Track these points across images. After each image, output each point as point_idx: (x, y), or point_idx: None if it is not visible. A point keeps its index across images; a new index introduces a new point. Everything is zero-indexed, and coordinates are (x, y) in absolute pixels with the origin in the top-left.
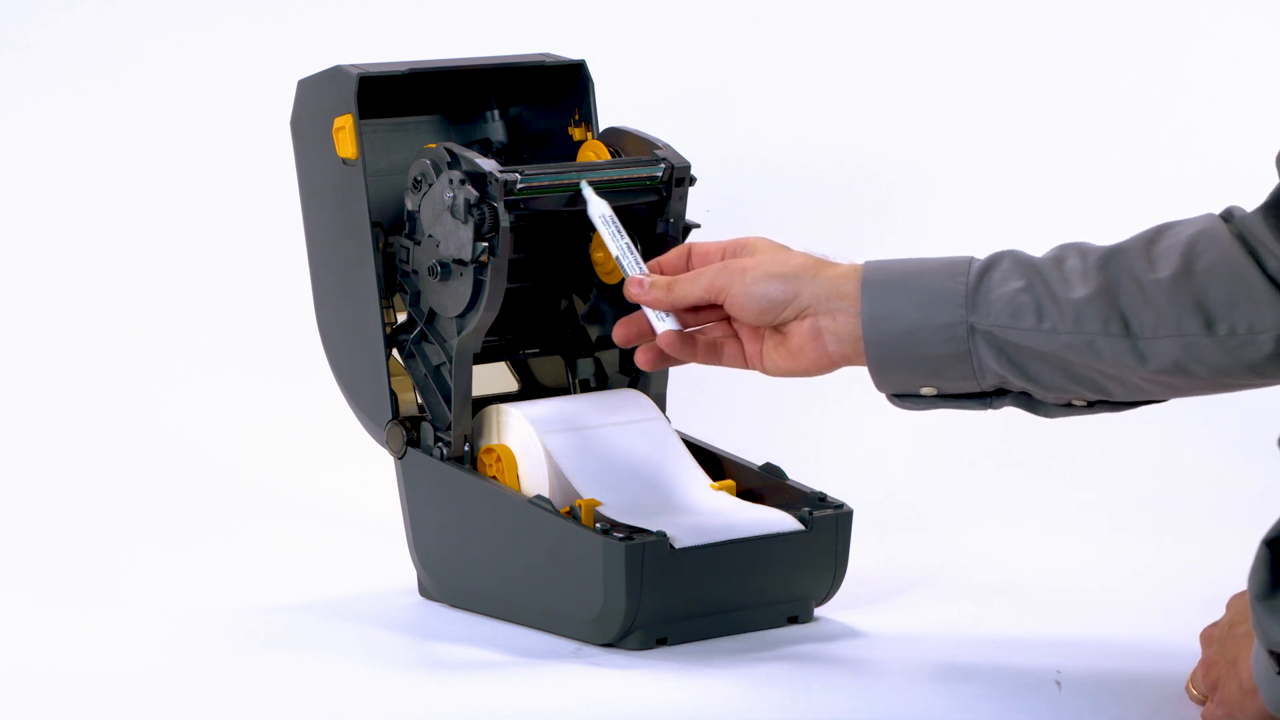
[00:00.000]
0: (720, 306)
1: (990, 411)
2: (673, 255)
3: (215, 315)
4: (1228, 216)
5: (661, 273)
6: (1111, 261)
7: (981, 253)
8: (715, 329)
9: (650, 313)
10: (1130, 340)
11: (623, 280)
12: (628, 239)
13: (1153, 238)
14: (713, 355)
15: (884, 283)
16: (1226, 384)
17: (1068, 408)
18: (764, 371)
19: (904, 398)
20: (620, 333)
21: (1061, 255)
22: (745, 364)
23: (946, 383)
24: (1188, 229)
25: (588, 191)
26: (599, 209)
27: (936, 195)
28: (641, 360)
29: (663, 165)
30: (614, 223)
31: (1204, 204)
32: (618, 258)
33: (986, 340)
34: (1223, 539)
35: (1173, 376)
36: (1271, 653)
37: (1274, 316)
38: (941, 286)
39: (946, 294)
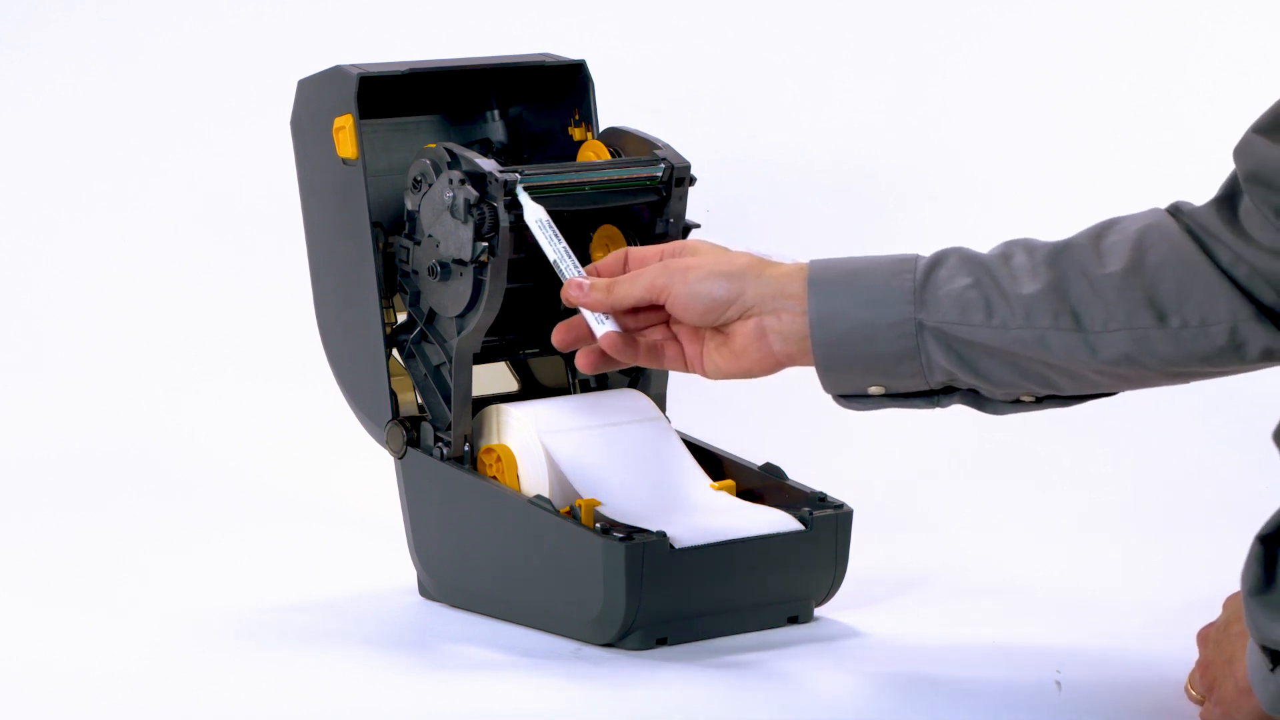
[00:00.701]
0: (661, 308)
1: (938, 410)
2: (610, 260)
3: (215, 315)
4: (1174, 211)
5: (600, 276)
6: (1060, 257)
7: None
8: (655, 331)
9: (590, 315)
10: (1081, 334)
11: None
12: (564, 243)
13: (1099, 233)
14: (653, 358)
15: (831, 281)
16: (1177, 374)
17: (1016, 404)
18: (704, 374)
19: (850, 398)
20: (559, 337)
21: (1008, 252)
22: (685, 366)
23: (895, 381)
24: (1135, 224)
25: (523, 196)
26: (535, 214)
27: (936, 195)
28: (581, 363)
29: (663, 165)
30: (550, 227)
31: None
32: (555, 262)
33: (935, 337)
34: (1222, 538)
35: (1123, 368)
36: (1265, 649)
37: (1227, 308)
38: (888, 284)
39: (894, 291)
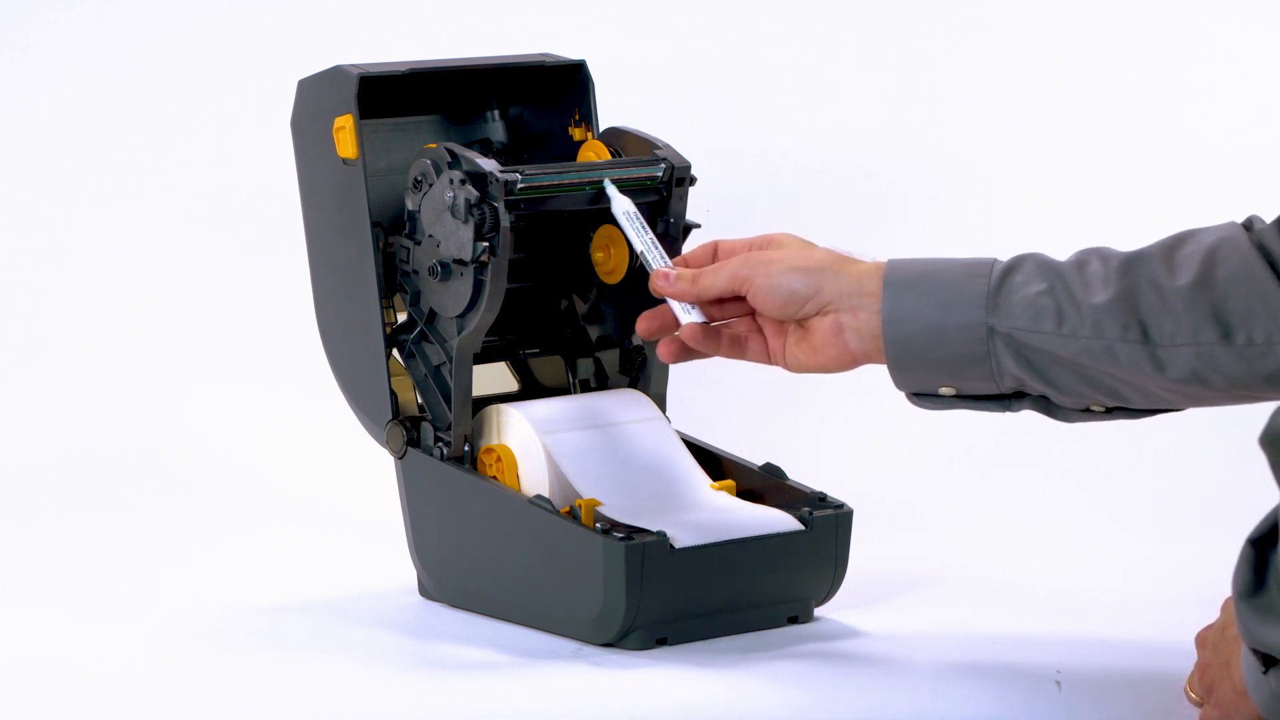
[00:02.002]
0: (745, 300)
1: (1008, 414)
2: (699, 251)
3: (214, 315)
4: (1249, 225)
5: (688, 266)
6: (1132, 267)
7: (987, 252)
8: (740, 323)
9: (675, 305)
10: (1148, 347)
11: (623, 280)
12: (652, 234)
13: (1174, 244)
14: (736, 349)
15: (905, 281)
16: (1244, 395)
17: (1086, 413)
18: (786, 367)
19: (923, 397)
20: (644, 325)
21: (1084, 259)
22: (769, 359)
23: (965, 383)
24: (1209, 236)
25: (611, 189)
26: (623, 205)
27: (937, 195)
28: (663, 353)
29: (663, 165)
30: (638, 219)
31: (1206, 202)
32: (642, 253)
33: (1006, 343)
34: (1223, 538)
35: (1190, 386)
36: (1256, 651)
37: None
38: (962, 287)
39: (967, 294)
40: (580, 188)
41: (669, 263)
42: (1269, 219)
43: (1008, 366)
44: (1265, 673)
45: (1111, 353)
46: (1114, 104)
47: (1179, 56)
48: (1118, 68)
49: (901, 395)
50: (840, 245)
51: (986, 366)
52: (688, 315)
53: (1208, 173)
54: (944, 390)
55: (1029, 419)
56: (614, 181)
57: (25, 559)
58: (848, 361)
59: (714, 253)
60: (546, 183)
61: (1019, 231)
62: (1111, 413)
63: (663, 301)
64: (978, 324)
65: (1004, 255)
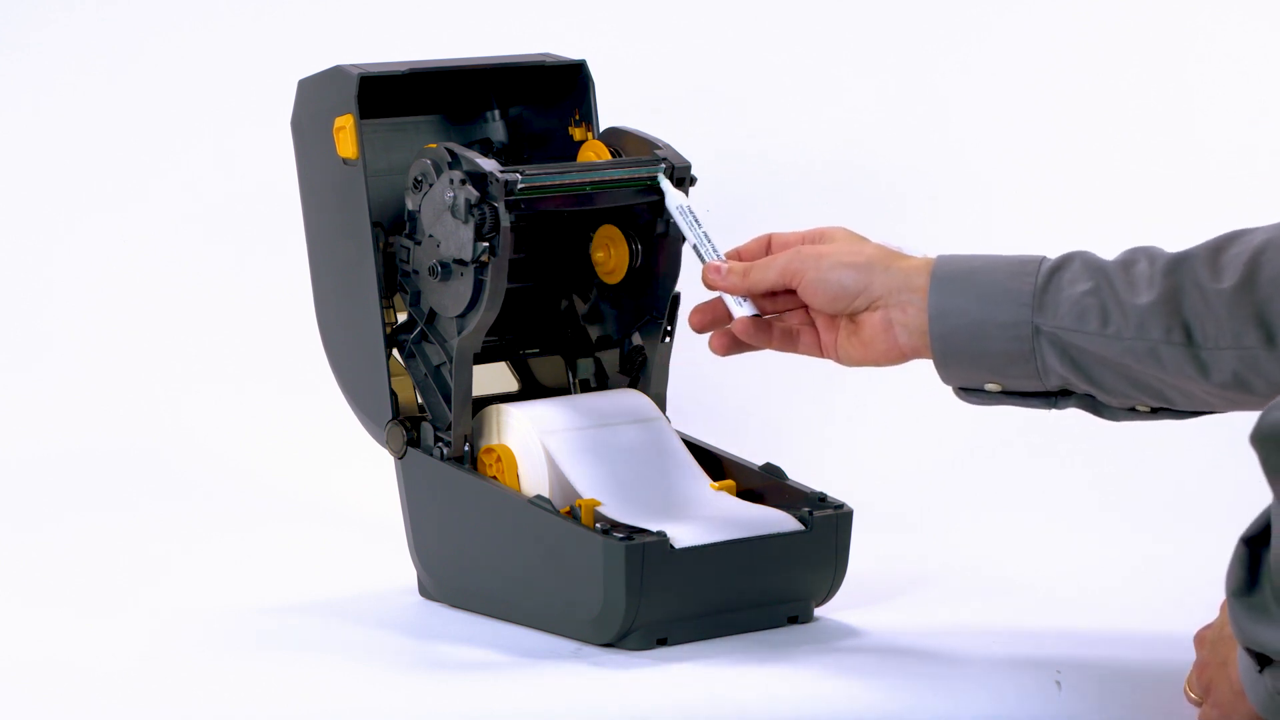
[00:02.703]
0: (795, 293)
1: (1054, 411)
2: (752, 243)
3: (214, 315)
4: None
5: (741, 260)
6: (1178, 268)
7: (991, 250)
8: (792, 316)
9: (728, 298)
10: (1192, 349)
11: (623, 280)
12: (704, 228)
13: (1222, 245)
14: (788, 343)
15: (952, 277)
16: None
17: (1131, 413)
18: (838, 360)
19: (969, 392)
20: (697, 319)
21: (1131, 259)
22: (820, 352)
23: (1010, 380)
24: (1257, 238)
25: (666, 184)
26: (676, 200)
27: (938, 194)
28: (715, 345)
29: (663, 165)
30: (691, 213)
31: (1208, 201)
32: (694, 246)
33: (1051, 341)
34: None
35: (1232, 391)
36: (1250, 650)
37: None
38: (1009, 284)
39: (1013, 292)
40: (580, 188)
41: (722, 256)
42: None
43: (1053, 365)
44: (1260, 672)
45: (1155, 354)
46: (1115, 103)
47: (1180, 56)
48: (1118, 67)
49: (901, 395)
50: (891, 241)
51: (1031, 365)
52: (740, 308)
53: (1210, 172)
54: (990, 386)
55: (1028, 419)
56: (615, 181)
57: (25, 559)
58: (896, 356)
59: (768, 245)
60: (546, 183)
61: (1019, 231)
62: (1156, 413)
63: (717, 296)
64: (1023, 322)
65: (1014, 251)
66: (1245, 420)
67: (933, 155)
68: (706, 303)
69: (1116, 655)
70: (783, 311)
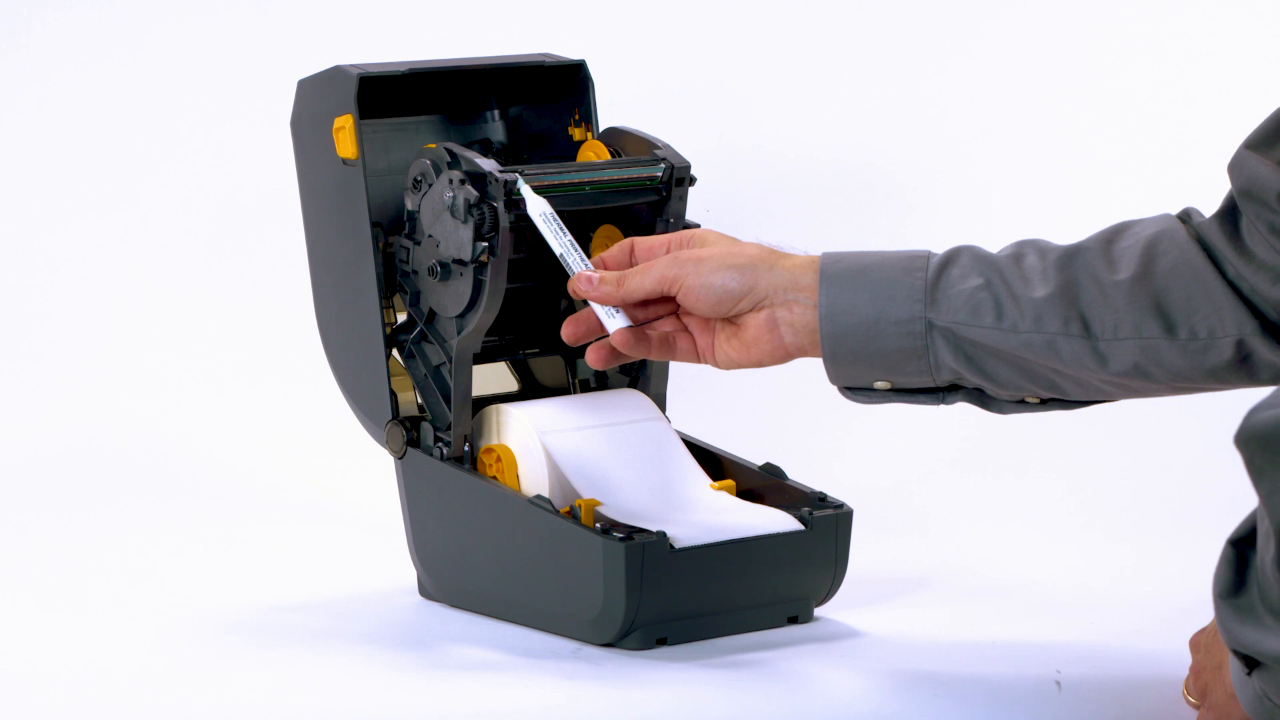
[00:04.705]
0: (670, 300)
1: (940, 408)
2: (615, 251)
3: (214, 315)
4: (1185, 217)
5: (605, 268)
6: (1071, 261)
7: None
8: (666, 322)
9: (600, 309)
10: (1090, 341)
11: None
12: (570, 236)
13: (1111, 237)
14: (666, 350)
15: (842, 275)
16: (1184, 387)
17: (1020, 404)
18: (715, 364)
19: (856, 391)
20: (569, 331)
21: (1020, 252)
22: (698, 358)
23: (901, 377)
24: (1147, 229)
25: (525, 190)
26: (539, 207)
27: (938, 194)
28: (592, 359)
29: (663, 165)
30: (555, 220)
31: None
32: (561, 255)
33: (944, 337)
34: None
35: (1131, 379)
36: (1236, 652)
37: (1234, 321)
38: (900, 281)
39: (904, 288)
40: (580, 188)
41: (589, 265)
42: (1206, 212)
43: (945, 360)
44: (1249, 674)
45: (1053, 347)
46: (1117, 102)
47: (1181, 56)
48: (1119, 65)
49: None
50: (770, 239)
51: (925, 361)
52: (612, 320)
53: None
54: (879, 384)
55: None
56: (614, 181)
57: (25, 559)
58: (781, 356)
59: (630, 252)
60: (546, 183)
61: (1019, 226)
62: (1046, 404)
63: (587, 306)
64: (916, 318)
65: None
66: None
67: (934, 154)
68: (577, 315)
69: (1116, 656)
70: (654, 319)
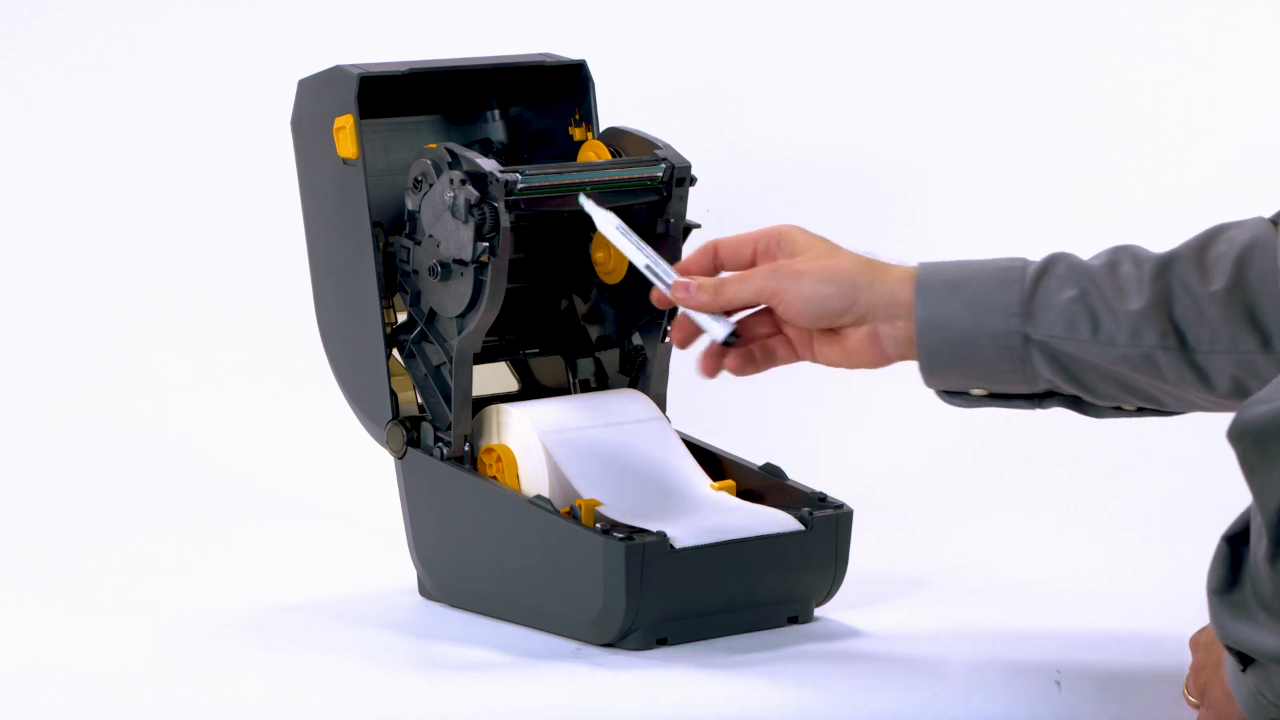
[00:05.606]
0: (767, 310)
1: (1038, 412)
2: (698, 255)
3: (214, 315)
4: (1277, 221)
5: (688, 274)
6: (1166, 270)
7: (994, 247)
8: (761, 327)
9: (699, 317)
10: (1187, 354)
11: (623, 280)
12: (647, 245)
13: (1205, 243)
14: (768, 362)
15: (938, 288)
16: None
17: (1116, 410)
18: (815, 360)
19: (953, 395)
20: (678, 335)
21: (1115, 260)
22: (797, 359)
23: (998, 385)
24: (1241, 235)
25: (590, 205)
26: (609, 221)
27: (938, 194)
28: (706, 369)
29: (663, 165)
30: (630, 232)
31: (1214, 198)
32: (647, 267)
33: (1041, 350)
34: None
35: (1231, 399)
36: (1230, 649)
37: None
38: (995, 293)
39: (1000, 302)
40: (580, 188)
41: (673, 273)
42: None
43: (1042, 371)
44: (1243, 670)
45: (1151, 361)
46: (1116, 101)
47: (1183, 55)
48: (1120, 65)
49: (900, 396)
50: (858, 246)
51: (1021, 372)
52: (716, 326)
53: (1212, 174)
54: (975, 390)
55: (1026, 418)
56: (615, 181)
57: (25, 559)
58: (882, 363)
59: (714, 254)
60: (546, 183)
61: (1024, 226)
62: (1142, 411)
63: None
64: (1012, 332)
65: (1014, 249)
66: None
67: (935, 154)
68: (680, 318)
69: (1116, 656)
70: (757, 332)
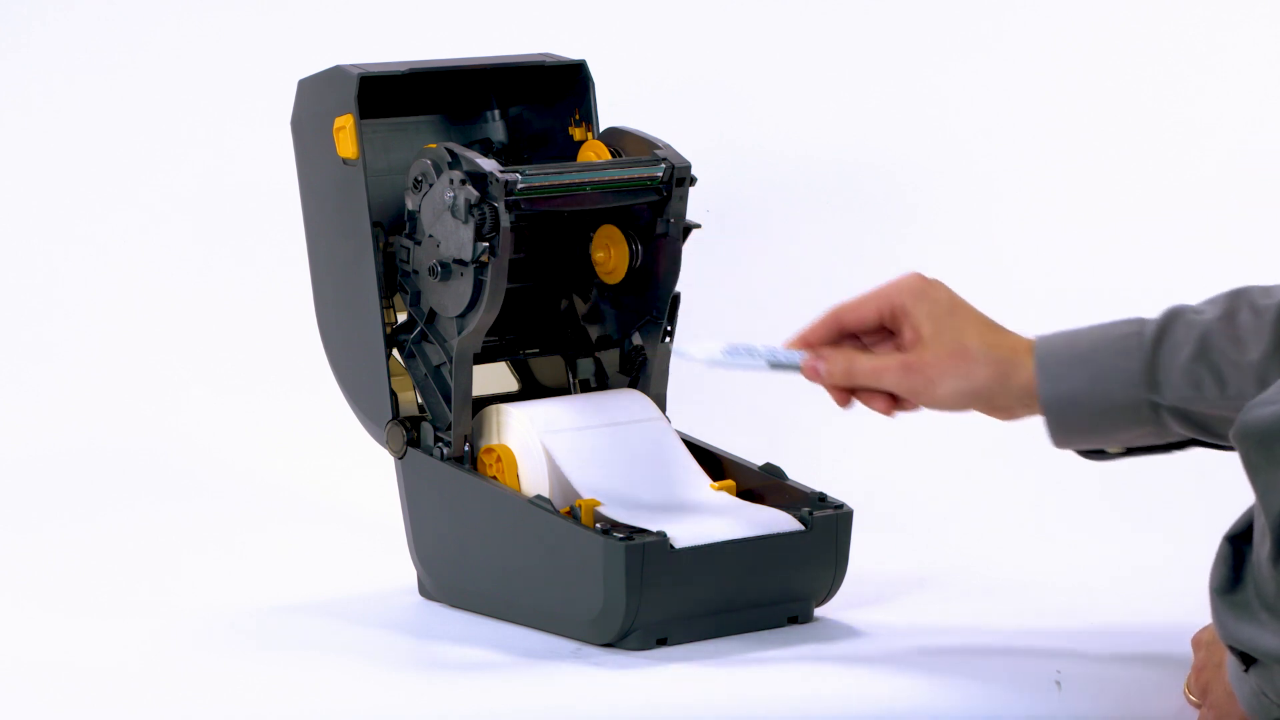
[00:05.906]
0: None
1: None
2: (819, 328)
3: (214, 315)
4: None
5: (808, 344)
6: None
7: (995, 254)
8: (883, 405)
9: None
10: None
11: (623, 280)
12: (757, 351)
13: None
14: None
15: (1058, 363)
16: None
17: None
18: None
19: (1090, 453)
20: (838, 397)
21: (1232, 309)
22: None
23: (1133, 443)
24: None
25: (688, 349)
26: (709, 354)
27: (938, 194)
28: (840, 400)
29: (663, 165)
30: (736, 349)
31: (1214, 198)
32: (774, 368)
33: (1172, 413)
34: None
35: None
36: (1232, 649)
37: None
38: (1117, 365)
39: (1123, 373)
40: (580, 188)
41: (794, 355)
42: None
43: (1175, 430)
44: (1245, 670)
45: None
46: (1116, 101)
47: (1184, 56)
48: (1121, 65)
49: None
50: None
51: (1155, 434)
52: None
53: (1214, 175)
54: (1111, 449)
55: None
56: (615, 181)
57: (25, 559)
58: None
59: (838, 325)
60: (546, 183)
61: (1024, 226)
62: None
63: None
64: (1140, 402)
65: (1014, 249)
66: None
67: (935, 155)
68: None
69: (1116, 656)
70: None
